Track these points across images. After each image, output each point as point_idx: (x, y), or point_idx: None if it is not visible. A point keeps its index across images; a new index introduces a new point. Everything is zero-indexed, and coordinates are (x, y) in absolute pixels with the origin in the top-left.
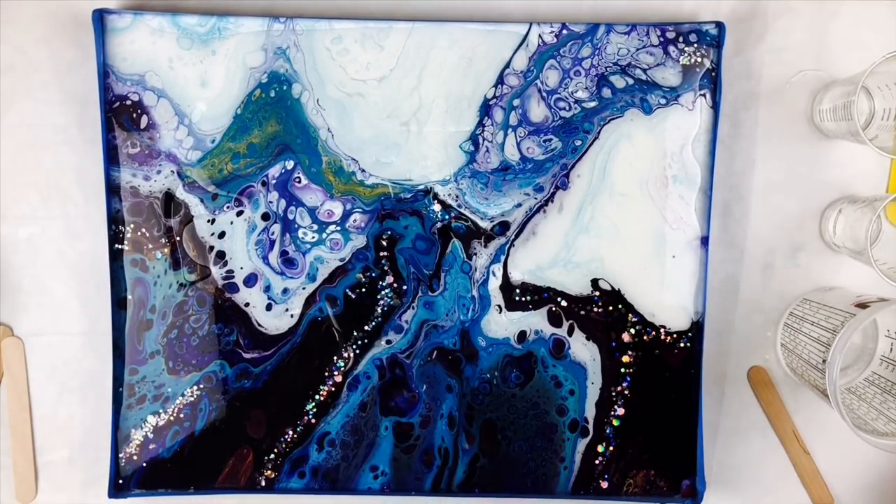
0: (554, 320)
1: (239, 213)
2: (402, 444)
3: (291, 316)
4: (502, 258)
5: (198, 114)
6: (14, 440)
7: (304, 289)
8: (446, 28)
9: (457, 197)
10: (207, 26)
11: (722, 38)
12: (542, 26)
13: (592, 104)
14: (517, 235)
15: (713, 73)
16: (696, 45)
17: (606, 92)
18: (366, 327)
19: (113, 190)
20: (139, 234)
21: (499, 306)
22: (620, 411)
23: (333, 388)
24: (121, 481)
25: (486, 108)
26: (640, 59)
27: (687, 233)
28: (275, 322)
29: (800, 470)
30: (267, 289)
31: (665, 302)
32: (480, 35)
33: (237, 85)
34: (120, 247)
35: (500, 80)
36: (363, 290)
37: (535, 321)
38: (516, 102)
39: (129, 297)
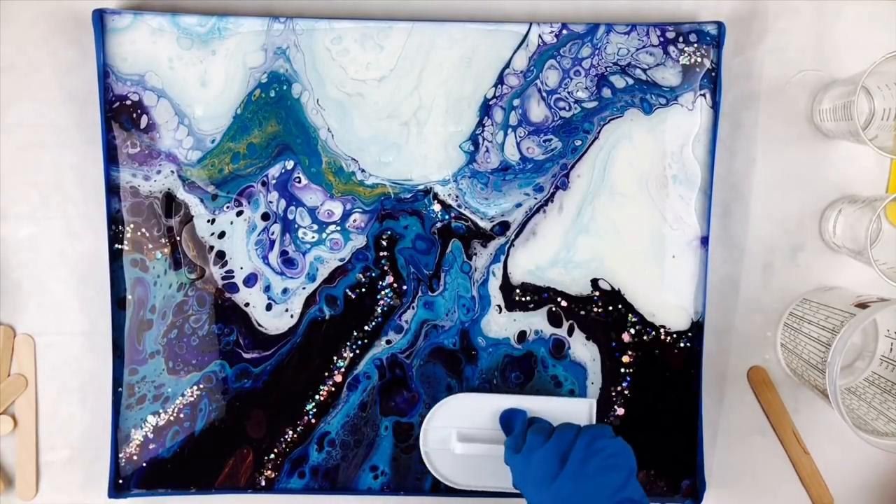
0: (554, 320)
1: (239, 213)
2: (402, 444)
3: (291, 316)
4: (502, 258)
5: (200, 111)
6: (20, 437)
7: (303, 289)
8: (446, 28)
9: (457, 197)
10: (207, 26)
11: (722, 38)
12: (542, 26)
13: (592, 104)
14: (517, 235)
15: (713, 73)
16: (696, 45)
17: (606, 92)
18: (366, 327)
19: (113, 190)
20: (139, 234)
21: (499, 306)
22: (620, 411)
23: (333, 388)
24: (121, 481)
25: (486, 108)
26: (640, 59)
27: (687, 233)
28: (275, 322)
29: (800, 470)
30: (267, 289)
31: (665, 302)
32: (480, 35)
33: (237, 85)
34: (120, 247)
35: (500, 80)
36: (363, 290)
37: (535, 321)
38: (516, 102)
39: (129, 297)
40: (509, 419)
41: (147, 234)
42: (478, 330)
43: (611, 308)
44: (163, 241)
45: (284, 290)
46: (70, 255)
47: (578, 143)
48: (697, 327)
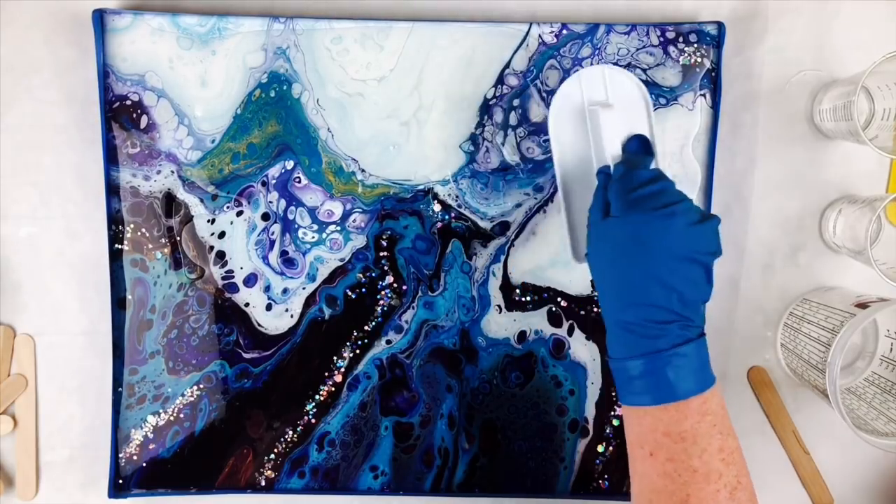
0: (554, 320)
1: (239, 213)
2: (402, 444)
3: (291, 316)
4: (502, 258)
5: (200, 110)
6: (20, 437)
7: (303, 289)
8: (446, 28)
9: (457, 197)
10: (207, 26)
11: (722, 38)
12: (542, 26)
13: None
14: (517, 235)
15: (713, 73)
16: (696, 45)
17: None
18: (366, 327)
19: (113, 190)
20: (139, 234)
21: (499, 306)
22: (620, 411)
23: (333, 388)
24: (121, 481)
25: (486, 108)
26: (640, 59)
27: None
28: (275, 322)
29: (800, 470)
30: (267, 289)
31: None
32: (480, 35)
33: (237, 85)
34: (120, 247)
35: (500, 80)
36: (363, 290)
37: (535, 321)
38: (516, 102)
39: (129, 297)
40: (639, 150)
41: (147, 234)
42: (478, 330)
43: None
44: (163, 241)
45: (284, 290)
46: (70, 255)
47: None
48: None
